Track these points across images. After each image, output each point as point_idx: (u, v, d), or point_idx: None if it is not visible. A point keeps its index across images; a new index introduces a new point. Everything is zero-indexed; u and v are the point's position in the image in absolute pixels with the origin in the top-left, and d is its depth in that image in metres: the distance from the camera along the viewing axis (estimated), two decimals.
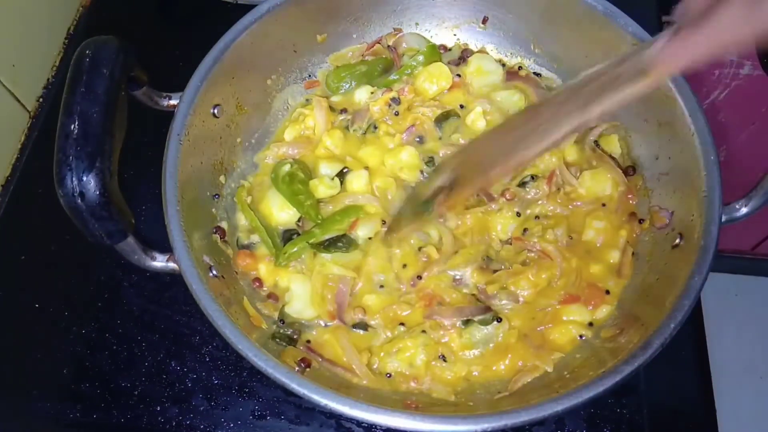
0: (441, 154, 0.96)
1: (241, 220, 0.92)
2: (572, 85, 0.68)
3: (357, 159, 0.96)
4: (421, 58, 1.01)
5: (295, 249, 0.88)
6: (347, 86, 1.02)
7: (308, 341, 0.84)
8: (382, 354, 0.83)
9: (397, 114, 0.99)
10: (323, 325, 0.85)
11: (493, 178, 0.84)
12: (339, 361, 0.82)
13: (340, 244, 0.88)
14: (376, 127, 0.98)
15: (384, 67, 1.04)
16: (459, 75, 1.01)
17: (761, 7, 0.47)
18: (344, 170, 0.94)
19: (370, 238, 0.90)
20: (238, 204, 0.92)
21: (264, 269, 0.88)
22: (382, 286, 0.88)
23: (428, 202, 0.83)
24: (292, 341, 0.83)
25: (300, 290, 0.86)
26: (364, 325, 0.85)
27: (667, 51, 0.56)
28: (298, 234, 0.90)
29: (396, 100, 0.99)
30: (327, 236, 0.89)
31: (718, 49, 0.52)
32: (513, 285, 0.86)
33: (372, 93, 1.00)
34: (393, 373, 0.82)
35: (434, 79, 0.99)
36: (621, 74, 0.62)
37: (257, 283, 0.88)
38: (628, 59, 0.62)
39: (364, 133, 0.98)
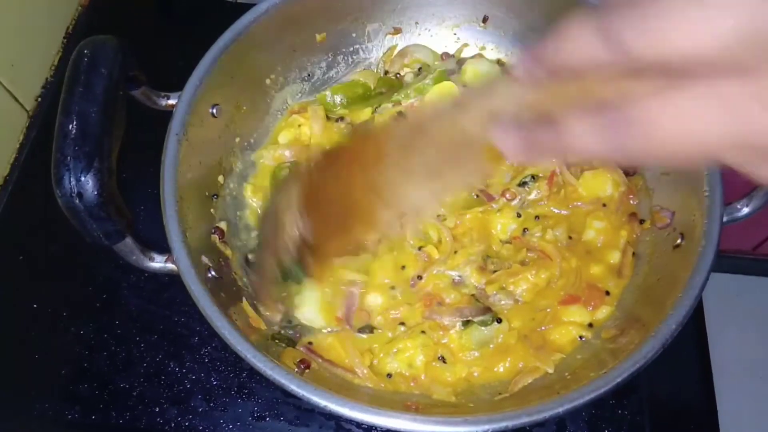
0: None
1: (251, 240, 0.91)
2: (418, 122, 0.55)
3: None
4: (428, 81, 0.99)
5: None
6: (342, 103, 1.01)
7: (310, 343, 0.84)
8: (381, 355, 0.82)
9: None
10: (328, 330, 0.85)
11: (356, 240, 0.63)
12: (340, 362, 0.82)
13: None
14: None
15: (383, 87, 1.02)
16: (465, 86, 1.00)
17: (617, 132, 0.37)
18: None
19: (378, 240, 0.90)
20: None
21: None
22: (393, 287, 0.87)
23: (293, 267, 0.68)
24: (291, 342, 0.83)
25: (312, 296, 0.85)
26: (369, 329, 0.85)
27: (516, 144, 0.44)
28: None
29: (402, 115, 0.98)
30: None
31: (570, 157, 0.45)
32: (512, 285, 0.86)
33: (376, 109, 0.99)
34: (393, 374, 0.81)
35: (442, 99, 0.99)
36: (467, 147, 0.50)
37: None
38: (469, 129, 0.49)
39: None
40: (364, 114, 1.00)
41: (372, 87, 1.02)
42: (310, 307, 0.84)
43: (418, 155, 0.54)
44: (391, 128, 0.60)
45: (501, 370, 0.82)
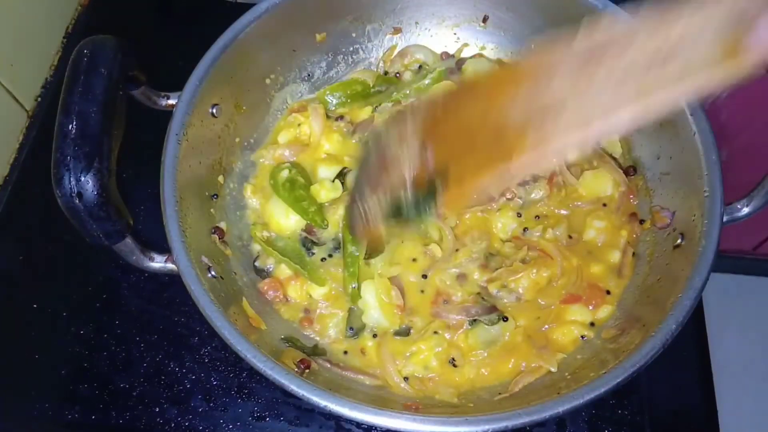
0: None
1: (256, 247, 0.91)
2: (594, 52, 0.49)
3: (354, 154, 0.96)
4: (428, 81, 0.99)
5: (354, 284, 0.86)
6: (340, 102, 1.01)
7: (345, 352, 0.84)
8: (397, 361, 0.83)
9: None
10: (374, 335, 0.85)
11: (516, 161, 0.55)
12: (364, 369, 0.82)
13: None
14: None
15: (381, 86, 1.02)
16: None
17: None
18: (344, 170, 0.94)
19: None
20: (255, 241, 0.91)
21: (292, 289, 0.87)
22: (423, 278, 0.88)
23: (420, 203, 0.63)
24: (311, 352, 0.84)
25: (371, 298, 0.85)
26: (406, 331, 0.85)
27: None
28: (313, 242, 0.90)
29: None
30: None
31: None
32: (513, 283, 0.86)
33: (376, 108, 0.99)
34: (409, 377, 0.82)
35: None
36: (686, 66, 0.46)
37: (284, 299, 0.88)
38: (695, 34, 0.45)
39: (366, 143, 0.98)
40: (364, 113, 0.99)
41: (371, 85, 1.02)
42: (374, 309, 0.84)
43: (606, 70, 0.49)
44: (556, 53, 0.53)
45: (504, 370, 0.82)
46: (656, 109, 0.49)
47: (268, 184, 0.94)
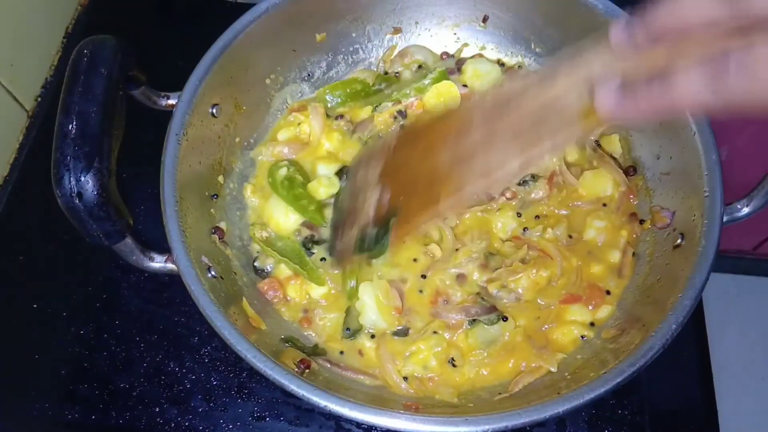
0: None
1: (256, 247, 0.91)
2: (505, 100, 0.60)
3: (354, 153, 0.95)
4: (428, 80, 0.99)
5: (353, 282, 0.86)
6: (339, 101, 1.01)
7: (341, 352, 0.84)
8: (397, 361, 0.82)
9: (403, 127, 0.98)
10: (372, 336, 0.85)
11: (442, 205, 0.68)
12: (363, 369, 0.82)
13: (378, 241, 0.86)
14: (382, 137, 0.98)
15: (381, 85, 1.02)
16: (465, 86, 1.00)
17: (729, 77, 0.41)
18: (345, 168, 0.94)
19: None
20: (254, 241, 0.91)
21: (292, 289, 0.87)
22: (404, 280, 0.88)
23: (380, 230, 0.75)
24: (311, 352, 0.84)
25: (369, 300, 0.84)
26: (405, 331, 0.85)
27: (621, 104, 0.49)
28: (314, 241, 0.90)
29: (402, 113, 0.98)
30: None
31: (676, 113, 0.47)
32: (513, 283, 0.86)
33: (375, 107, 0.99)
34: (409, 377, 0.82)
35: (442, 98, 0.98)
36: (563, 111, 0.55)
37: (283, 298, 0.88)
38: (568, 92, 0.54)
39: (365, 143, 0.97)
40: (365, 112, 0.99)
41: (371, 84, 1.02)
42: (371, 311, 0.84)
43: (504, 126, 0.59)
44: (474, 105, 0.65)
45: (504, 370, 0.82)
46: (537, 159, 0.59)
47: (266, 182, 0.94)
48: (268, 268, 0.89)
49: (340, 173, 0.94)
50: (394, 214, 0.73)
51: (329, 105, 1.00)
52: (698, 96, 0.43)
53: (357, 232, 0.77)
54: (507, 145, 0.60)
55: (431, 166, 0.67)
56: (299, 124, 0.98)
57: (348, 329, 0.85)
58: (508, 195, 0.92)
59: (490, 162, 0.61)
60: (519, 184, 0.93)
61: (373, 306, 0.84)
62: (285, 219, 0.91)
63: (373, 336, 0.84)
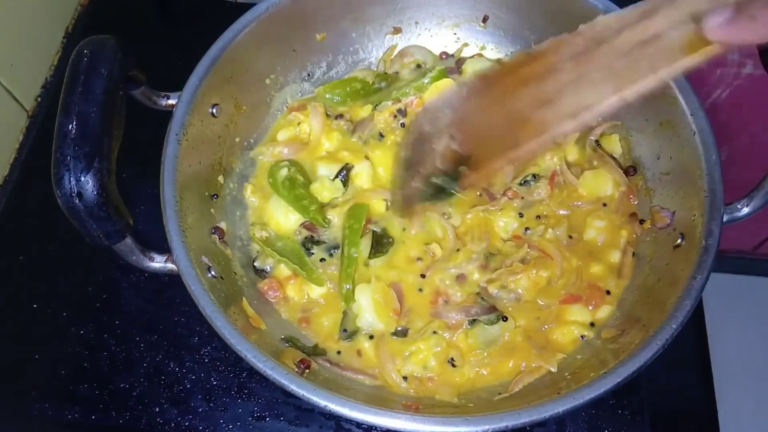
0: None
1: (256, 247, 0.91)
2: (597, 40, 0.57)
3: (354, 152, 0.96)
4: (427, 79, 0.99)
5: (348, 286, 0.86)
6: (339, 100, 1.01)
7: (339, 352, 0.84)
8: (397, 361, 0.82)
9: (403, 126, 0.98)
10: (370, 337, 0.85)
11: (523, 148, 0.65)
12: (363, 369, 0.82)
13: (384, 249, 0.88)
14: (382, 136, 0.98)
15: (381, 84, 1.02)
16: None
17: None
18: (347, 166, 0.94)
19: (404, 229, 0.91)
20: (254, 241, 0.91)
21: (291, 289, 0.87)
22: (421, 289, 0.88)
23: (449, 178, 0.73)
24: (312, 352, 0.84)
25: (366, 302, 0.84)
26: (404, 331, 0.85)
27: (732, 27, 0.48)
28: (313, 241, 0.90)
29: (402, 112, 0.98)
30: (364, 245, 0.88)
31: None
32: (513, 283, 0.86)
33: (375, 106, 0.99)
34: (408, 377, 0.82)
35: None
36: (663, 46, 0.54)
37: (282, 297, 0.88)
38: (670, 28, 0.53)
39: (365, 142, 0.98)
40: (364, 111, 0.99)
41: (370, 83, 1.02)
42: (369, 312, 0.84)
43: (597, 64, 0.58)
44: (560, 45, 0.62)
45: (504, 370, 0.82)
46: (635, 95, 0.56)
47: (266, 182, 0.94)
48: (268, 268, 0.89)
49: (341, 173, 0.94)
50: (464, 163, 0.70)
51: (329, 104, 1.00)
52: None
53: (422, 180, 0.75)
54: (601, 82, 0.57)
55: (510, 110, 0.64)
56: (299, 123, 0.98)
57: (345, 330, 0.85)
58: (509, 195, 0.92)
59: (582, 100, 0.59)
60: (521, 184, 0.93)
61: (370, 308, 0.84)
62: (285, 219, 0.91)
63: (371, 337, 0.84)
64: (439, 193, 0.76)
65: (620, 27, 0.56)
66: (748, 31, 0.48)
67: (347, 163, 0.94)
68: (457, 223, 0.91)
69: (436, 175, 0.74)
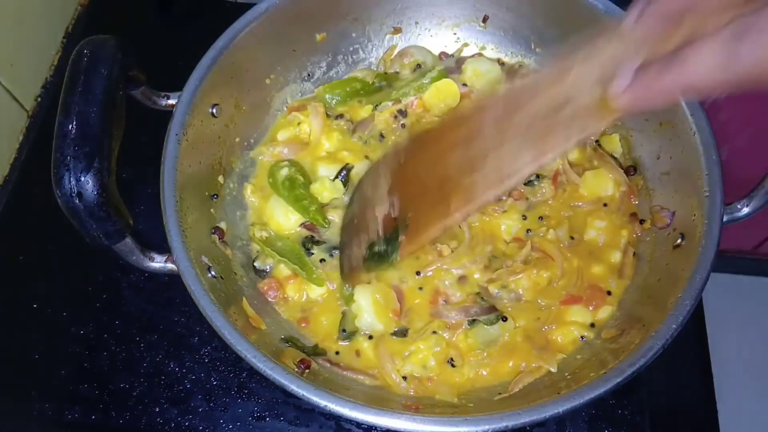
0: None
1: (255, 246, 0.91)
2: (515, 104, 0.59)
3: (354, 152, 0.95)
4: (427, 79, 0.99)
5: (349, 288, 0.86)
6: (339, 99, 1.01)
7: (337, 352, 0.84)
8: (397, 361, 0.82)
9: (404, 126, 0.98)
10: (369, 337, 0.84)
11: (454, 216, 0.68)
12: (364, 370, 0.82)
13: (387, 255, 0.87)
14: (383, 137, 0.98)
15: (381, 83, 1.02)
16: (466, 85, 1.00)
17: (742, 46, 0.40)
18: (347, 166, 0.94)
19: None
20: (253, 241, 0.91)
21: (291, 289, 0.87)
22: (403, 281, 0.88)
23: (388, 245, 0.75)
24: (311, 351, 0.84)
25: (366, 302, 0.84)
26: (404, 331, 0.85)
27: (634, 91, 0.49)
28: (313, 242, 0.90)
29: (403, 113, 0.98)
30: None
31: (690, 93, 0.46)
32: (513, 283, 0.86)
33: (376, 107, 0.99)
34: (408, 377, 0.82)
35: (442, 97, 0.98)
36: (575, 110, 0.54)
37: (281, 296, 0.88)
38: (581, 92, 0.53)
39: (366, 142, 0.98)
40: (365, 111, 0.99)
41: (370, 82, 1.02)
42: (368, 313, 0.84)
43: (516, 124, 0.58)
44: (483, 107, 0.63)
45: (504, 370, 0.82)
46: (551, 151, 0.57)
47: (267, 182, 0.94)
48: (268, 268, 0.89)
49: (342, 173, 0.94)
50: (403, 227, 0.72)
51: (329, 104, 1.00)
52: (711, 71, 0.42)
53: (365, 247, 0.76)
54: (520, 149, 0.59)
55: (442, 175, 0.66)
56: (299, 123, 0.98)
57: (344, 330, 0.85)
58: (515, 196, 0.92)
59: (503, 161, 0.60)
60: (525, 184, 0.93)
61: (369, 309, 0.83)
62: (285, 219, 0.91)
63: (370, 337, 0.84)
64: (381, 260, 0.78)
65: (536, 89, 0.57)
66: (643, 92, 0.48)
67: (347, 164, 0.94)
68: (475, 222, 0.91)
69: (378, 243, 0.76)
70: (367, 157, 0.95)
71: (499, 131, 0.60)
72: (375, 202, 0.75)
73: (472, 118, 0.65)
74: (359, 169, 0.94)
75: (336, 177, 0.93)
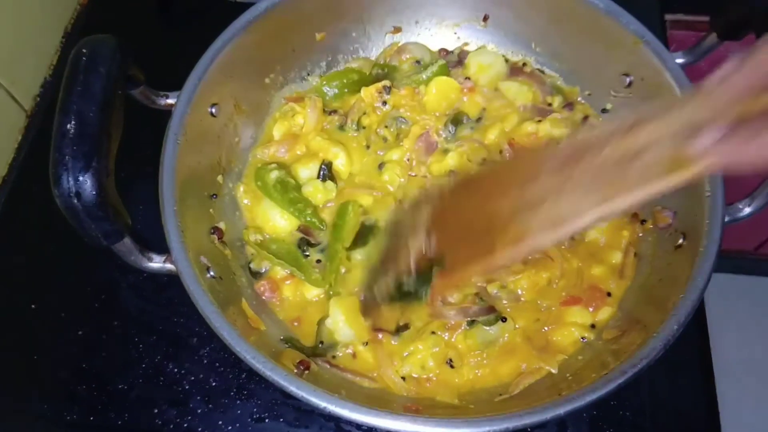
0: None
1: (250, 249, 0.90)
2: (584, 148, 0.55)
3: (326, 144, 0.95)
4: (425, 75, 0.99)
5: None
6: (336, 92, 1.01)
7: (334, 356, 0.83)
8: (395, 362, 0.82)
9: (385, 104, 0.97)
10: (364, 344, 0.83)
11: (498, 258, 0.62)
12: (364, 372, 0.82)
13: (365, 239, 0.88)
14: (362, 127, 0.98)
15: (378, 74, 1.02)
16: (468, 78, 1.00)
17: None
18: (325, 162, 0.93)
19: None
20: (248, 244, 0.90)
21: (287, 290, 0.87)
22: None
23: (419, 285, 0.70)
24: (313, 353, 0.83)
25: (339, 317, 0.83)
26: (403, 330, 0.84)
27: (723, 152, 0.47)
28: (309, 244, 0.89)
29: (387, 89, 0.97)
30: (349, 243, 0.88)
31: None
32: (513, 284, 0.86)
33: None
34: (406, 377, 0.81)
35: (441, 95, 0.98)
36: (654, 163, 0.51)
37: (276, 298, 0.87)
38: (652, 144, 0.51)
39: (356, 131, 0.97)
40: (356, 98, 0.99)
41: (367, 73, 1.02)
42: (344, 326, 0.82)
43: (581, 173, 0.55)
44: (547, 151, 0.61)
45: (504, 371, 0.82)
46: (617, 209, 0.55)
47: (255, 185, 0.93)
48: (264, 270, 0.88)
49: (323, 170, 0.93)
50: (438, 264, 0.67)
51: (326, 95, 1.00)
52: None
53: (393, 279, 0.71)
54: (584, 193, 0.55)
55: (490, 214, 0.62)
56: (293, 115, 0.97)
57: (321, 343, 0.83)
58: None
59: (562, 210, 0.57)
60: None
61: (344, 322, 0.82)
62: (281, 221, 0.90)
63: (366, 343, 0.84)
64: (407, 298, 0.72)
65: (607, 140, 0.54)
66: (740, 154, 0.45)
67: (324, 160, 0.93)
68: None
69: (407, 283, 0.71)
70: (339, 143, 0.94)
71: (562, 178, 0.57)
72: (410, 234, 0.70)
73: (532, 159, 0.62)
74: (337, 160, 0.93)
75: (318, 176, 0.93)
